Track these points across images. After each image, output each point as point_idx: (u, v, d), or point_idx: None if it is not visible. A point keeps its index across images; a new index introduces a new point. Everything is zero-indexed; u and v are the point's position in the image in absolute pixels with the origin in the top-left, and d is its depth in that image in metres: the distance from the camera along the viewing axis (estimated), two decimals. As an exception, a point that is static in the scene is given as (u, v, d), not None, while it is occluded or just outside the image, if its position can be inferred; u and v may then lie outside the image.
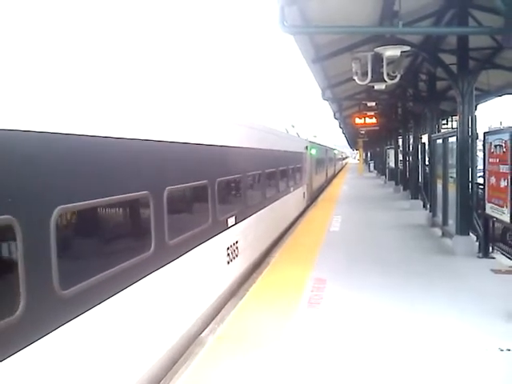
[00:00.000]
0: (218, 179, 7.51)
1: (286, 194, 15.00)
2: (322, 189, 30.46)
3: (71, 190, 3.75)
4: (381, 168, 44.30)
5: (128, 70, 5.35)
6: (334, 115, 28.64)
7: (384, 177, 36.88)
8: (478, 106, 15.43)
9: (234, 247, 8.44)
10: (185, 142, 6.25)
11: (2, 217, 2.99)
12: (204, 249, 6.76)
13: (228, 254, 8.04)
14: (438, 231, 13.11)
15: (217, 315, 6.92)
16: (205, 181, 6.93)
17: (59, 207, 3.54)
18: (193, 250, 6.31)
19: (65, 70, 3.96)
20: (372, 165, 63.08)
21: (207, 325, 6.58)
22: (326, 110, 28.19)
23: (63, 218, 3.68)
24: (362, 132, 37.63)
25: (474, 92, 11.37)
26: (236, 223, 8.58)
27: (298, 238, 12.76)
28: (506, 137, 8.36)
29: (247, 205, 9.67)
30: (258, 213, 10.70)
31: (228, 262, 8.04)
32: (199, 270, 6.66)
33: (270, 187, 12.43)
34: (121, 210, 4.81)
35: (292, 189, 16.40)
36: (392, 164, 31.27)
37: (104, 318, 4.15)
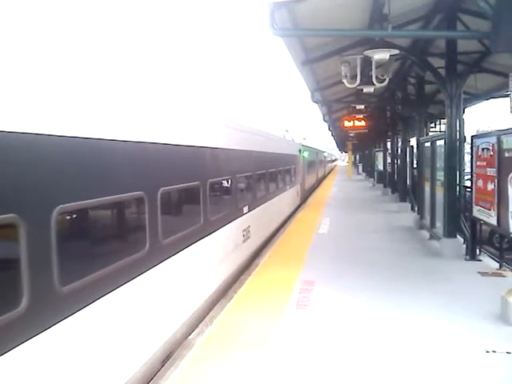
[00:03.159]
0: (237, 175, 9.64)
1: (283, 192, 17.02)
2: (313, 189, 31.76)
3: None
4: (369, 170, 44.52)
5: (162, 86, 6.35)
6: (324, 118, 28.74)
7: (372, 179, 37.07)
8: (466, 110, 15.59)
9: (247, 230, 10.50)
10: (216, 146, 7.95)
11: (136, 193, 4.88)
12: (232, 226, 9.07)
13: (243, 235, 10.15)
14: (425, 233, 13.20)
15: (205, 317, 6.91)
16: (228, 176, 8.99)
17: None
18: (226, 226, 8.56)
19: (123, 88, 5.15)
20: (360, 167, 63.36)
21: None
22: (316, 112, 28.29)
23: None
24: (351, 135, 37.79)
25: (462, 95, 11.45)
26: (249, 211, 10.65)
27: (286, 240, 12.77)
28: (493, 140, 8.44)
29: (255, 197, 11.70)
30: (263, 205, 12.75)
31: (243, 241, 10.14)
32: (228, 242, 8.83)
33: (272, 185, 14.46)
34: (186, 194, 6.92)
35: (288, 187, 18.37)
36: (380, 167, 31.43)
37: (169, 270, 5.78)
